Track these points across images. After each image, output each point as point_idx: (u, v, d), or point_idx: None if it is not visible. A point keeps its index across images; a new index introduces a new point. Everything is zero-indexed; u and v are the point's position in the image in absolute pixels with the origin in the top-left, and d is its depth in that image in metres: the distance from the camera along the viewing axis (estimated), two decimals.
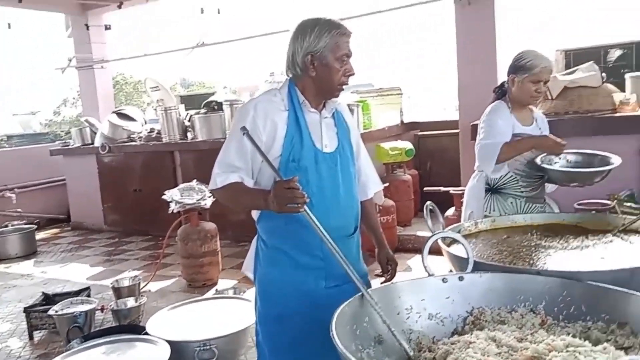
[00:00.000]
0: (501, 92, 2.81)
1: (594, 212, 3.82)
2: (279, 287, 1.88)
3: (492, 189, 2.76)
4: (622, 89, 4.65)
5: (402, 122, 6.51)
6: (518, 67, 2.64)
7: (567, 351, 1.19)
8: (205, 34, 6.78)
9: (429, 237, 1.64)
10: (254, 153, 1.77)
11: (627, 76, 4.63)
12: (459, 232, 2.18)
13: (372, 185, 2.14)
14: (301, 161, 1.82)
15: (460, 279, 1.59)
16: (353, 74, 1.88)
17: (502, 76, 2.79)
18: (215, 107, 6.56)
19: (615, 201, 3.91)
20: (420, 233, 5.49)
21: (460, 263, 1.71)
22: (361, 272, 2.00)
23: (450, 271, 1.83)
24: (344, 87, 1.89)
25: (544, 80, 2.63)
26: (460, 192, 3.33)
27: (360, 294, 1.47)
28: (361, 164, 2.08)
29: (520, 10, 5.52)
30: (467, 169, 3.61)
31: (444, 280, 1.58)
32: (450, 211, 5.06)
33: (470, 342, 1.30)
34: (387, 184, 5.53)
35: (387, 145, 5.80)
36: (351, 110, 5.64)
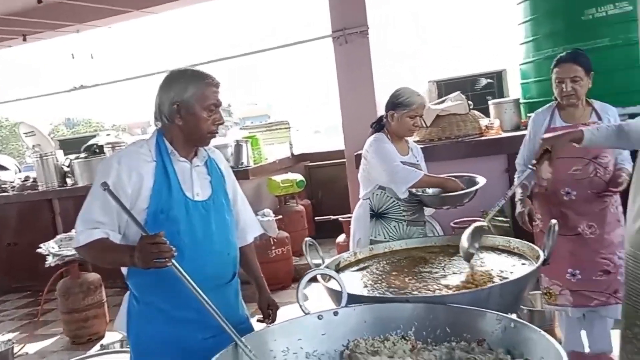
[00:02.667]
0: (379, 126, 2.98)
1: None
2: (155, 345, 1.80)
3: (377, 215, 2.89)
4: (487, 115, 5.09)
5: (292, 154, 6.61)
6: (396, 104, 2.82)
7: None
8: (84, 76, 6.49)
9: (304, 275, 1.65)
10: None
11: (490, 103, 5.08)
12: (338, 264, 2.24)
13: (251, 230, 2.14)
14: (170, 212, 1.77)
15: (335, 314, 1.61)
16: (222, 123, 1.89)
17: (380, 107, 2.96)
18: (97, 150, 6.25)
19: (486, 217, 4.21)
20: (316, 261, 5.54)
21: (337, 297, 1.74)
22: (241, 318, 1.97)
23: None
24: (214, 135, 1.88)
25: (419, 114, 2.84)
26: (349, 219, 3.44)
27: (233, 343, 1.44)
28: (239, 209, 2.07)
29: (393, 43, 5.86)
30: (355, 196, 3.74)
31: (319, 317, 1.60)
32: (341, 237, 5.19)
33: None
34: (280, 216, 5.57)
35: (278, 178, 5.85)
36: (240, 146, 5.64)
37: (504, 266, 1.95)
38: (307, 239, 2.18)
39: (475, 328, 1.47)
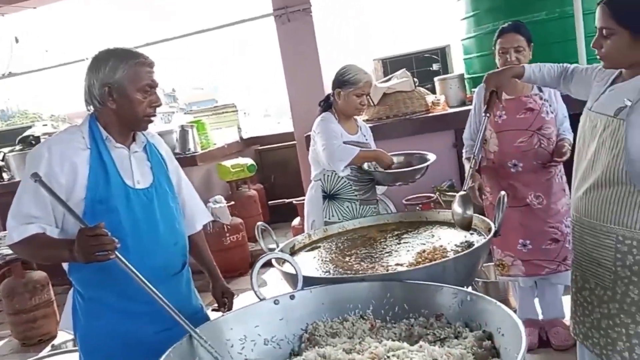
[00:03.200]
0: (327, 105, 2.96)
1: (419, 207, 4.16)
2: (104, 341, 1.72)
3: (329, 196, 2.88)
4: (434, 92, 5.14)
5: (241, 138, 6.48)
6: (342, 81, 2.79)
7: (388, 356, 1.23)
8: (11, 63, 6.10)
9: (257, 261, 1.61)
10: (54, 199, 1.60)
11: (435, 79, 5.13)
12: (293, 247, 2.22)
13: (199, 218, 2.06)
14: (110, 201, 1.68)
15: (292, 297, 1.58)
16: (159, 105, 1.78)
17: (328, 86, 2.93)
18: (33, 142, 5.92)
19: (437, 192, 4.29)
20: (270, 246, 5.51)
21: (293, 280, 1.71)
22: (195, 308, 1.92)
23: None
24: (151, 118, 1.78)
25: (366, 93, 2.82)
26: (303, 201, 3.41)
27: (188, 334, 1.39)
28: (184, 196, 1.99)
29: (338, 22, 5.80)
30: (308, 178, 3.72)
31: (276, 302, 1.57)
32: (296, 221, 5.16)
33: None
34: (232, 202, 5.48)
35: (228, 163, 5.73)
36: (185, 132, 5.48)
37: (457, 240, 1.98)
38: (259, 223, 2.14)
39: (432, 303, 1.48)
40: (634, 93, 1.72)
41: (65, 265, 1.76)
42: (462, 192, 2.10)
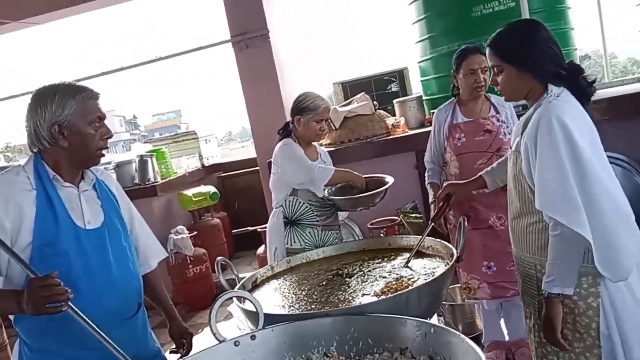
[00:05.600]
0: (286, 133, 2.94)
1: (383, 231, 4.15)
2: None
3: (291, 222, 2.85)
4: (393, 114, 5.19)
5: (203, 165, 6.38)
6: (302, 108, 2.79)
7: None
8: None
9: (215, 301, 1.54)
10: None
11: (395, 102, 5.19)
12: (255, 280, 2.15)
13: (153, 255, 1.98)
14: (59, 244, 1.58)
15: (253, 337, 1.52)
16: (110, 136, 1.73)
17: (289, 112, 2.93)
18: None
19: (401, 215, 4.29)
20: (232, 276, 5.41)
21: (254, 318, 1.64)
22: (153, 352, 1.83)
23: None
24: (103, 152, 1.72)
25: (325, 118, 2.83)
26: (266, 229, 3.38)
27: None
28: (138, 233, 1.91)
29: (295, 48, 5.83)
30: (271, 204, 3.68)
31: (236, 343, 1.50)
32: (261, 249, 5.06)
33: None
34: (195, 232, 5.35)
35: (189, 192, 5.61)
36: (144, 161, 5.36)
37: (420, 267, 1.95)
38: (219, 258, 2.08)
39: (396, 337, 1.44)
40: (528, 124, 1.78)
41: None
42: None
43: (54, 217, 1.60)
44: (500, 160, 2.21)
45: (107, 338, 1.35)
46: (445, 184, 2.28)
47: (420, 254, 2.08)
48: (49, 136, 1.63)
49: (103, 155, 1.73)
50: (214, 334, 1.51)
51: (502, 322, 3.00)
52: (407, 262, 2.00)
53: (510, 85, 1.84)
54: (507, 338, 2.97)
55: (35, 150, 1.68)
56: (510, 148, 1.88)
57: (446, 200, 2.20)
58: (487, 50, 1.88)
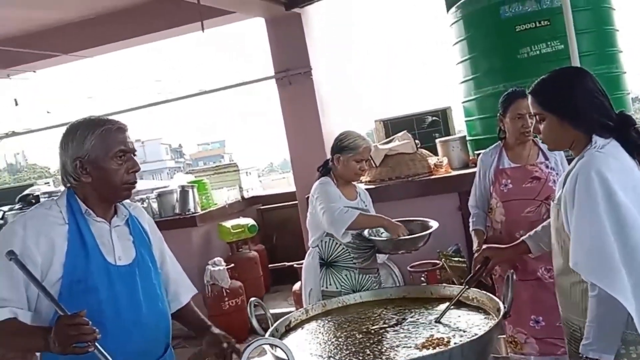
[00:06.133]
0: (325, 170, 2.93)
1: (424, 275, 4.01)
2: None
3: (327, 263, 2.79)
4: (435, 153, 5.11)
5: (242, 197, 6.42)
6: (342, 147, 2.77)
7: None
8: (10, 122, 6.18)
9: (245, 348, 1.49)
10: (28, 280, 1.49)
11: (437, 141, 5.11)
12: (289, 324, 2.09)
13: (184, 291, 1.93)
14: (89, 280, 1.56)
15: None
16: (137, 170, 1.69)
17: (329, 147, 2.92)
18: (33, 200, 5.88)
19: (443, 258, 4.15)
20: (273, 310, 5.34)
21: None
22: None
23: None
24: (132, 186, 1.69)
25: (365, 158, 2.79)
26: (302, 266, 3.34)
27: None
28: (169, 270, 1.88)
29: (337, 84, 5.86)
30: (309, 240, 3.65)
31: None
32: (297, 285, 4.99)
33: None
34: (232, 265, 5.35)
35: (228, 223, 5.63)
36: (186, 192, 5.43)
37: (463, 321, 1.85)
38: (252, 299, 2.03)
39: None
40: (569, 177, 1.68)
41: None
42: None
43: (85, 252, 1.58)
44: (544, 223, 2.07)
45: None
46: (484, 246, 2.14)
47: (462, 305, 1.97)
48: (73, 172, 1.63)
49: (131, 189, 1.70)
50: None
51: None
52: (439, 318, 1.89)
53: (553, 135, 1.77)
54: None
55: (67, 186, 1.68)
56: (553, 201, 1.78)
57: (484, 264, 2.08)
58: (530, 98, 1.82)
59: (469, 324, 1.81)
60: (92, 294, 1.55)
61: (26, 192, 6.22)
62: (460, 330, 1.77)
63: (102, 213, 1.67)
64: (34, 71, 6.11)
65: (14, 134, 6.27)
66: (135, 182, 1.70)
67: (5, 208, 6.11)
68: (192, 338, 5.35)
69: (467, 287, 1.98)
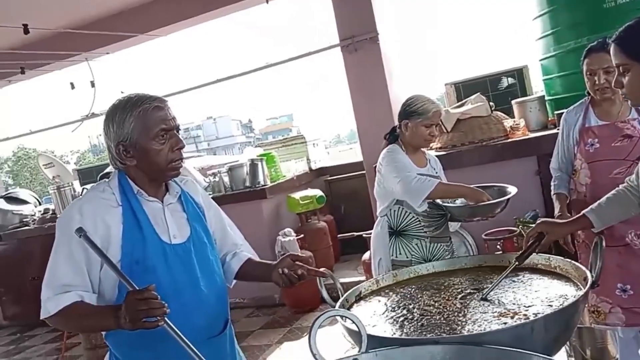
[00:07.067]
0: (393, 137, 2.83)
1: (500, 243, 3.83)
2: None
3: (396, 232, 2.72)
4: (511, 115, 4.83)
5: (310, 169, 6.43)
6: (410, 112, 2.66)
7: None
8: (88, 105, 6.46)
9: (315, 320, 1.45)
10: (90, 262, 1.51)
11: (513, 103, 4.82)
12: (359, 294, 2.04)
13: (247, 251, 1.93)
14: (147, 261, 1.57)
15: None
16: (182, 147, 1.64)
17: (397, 114, 2.81)
18: None
19: (520, 225, 3.95)
20: (343, 280, 5.36)
21: (358, 338, 1.53)
22: None
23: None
24: (179, 164, 1.65)
25: (435, 123, 2.67)
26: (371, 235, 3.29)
27: None
28: (231, 237, 1.88)
29: (405, 49, 5.66)
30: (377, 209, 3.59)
31: None
32: (367, 255, 4.95)
33: None
34: (302, 235, 5.39)
35: (297, 195, 5.67)
36: (255, 165, 5.49)
37: (545, 291, 1.72)
38: (322, 269, 1.98)
39: None
40: None
41: None
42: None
43: (140, 233, 1.58)
44: (609, 194, 1.85)
45: (200, 355, 1.31)
46: (539, 221, 1.93)
47: (546, 273, 1.84)
48: (118, 156, 1.61)
49: (179, 167, 1.66)
50: (314, 355, 1.42)
51: None
52: (485, 295, 1.73)
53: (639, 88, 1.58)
54: None
55: (116, 169, 1.68)
56: None
57: (538, 239, 1.88)
58: (612, 47, 1.62)
59: (553, 294, 1.68)
60: (151, 274, 1.55)
61: (106, 170, 6.53)
62: (545, 300, 1.65)
63: (154, 192, 1.66)
64: (108, 52, 6.33)
65: (93, 115, 6.56)
66: (182, 159, 1.66)
67: (88, 186, 6.49)
68: (264, 307, 5.53)
69: (516, 263, 1.82)
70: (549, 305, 1.59)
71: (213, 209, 1.86)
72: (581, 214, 1.90)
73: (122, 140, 1.58)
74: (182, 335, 1.34)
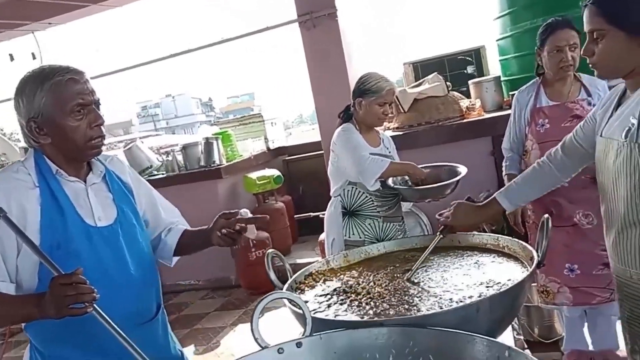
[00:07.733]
0: (347, 116, 2.80)
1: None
2: None
3: (349, 213, 2.70)
4: (468, 96, 4.85)
5: (268, 148, 6.33)
6: (364, 90, 2.62)
7: None
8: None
9: (258, 303, 1.39)
10: (4, 249, 1.39)
11: (470, 83, 4.84)
12: (309, 274, 1.99)
13: (182, 224, 1.84)
14: (69, 245, 1.45)
15: (298, 345, 1.36)
16: (101, 123, 1.50)
17: None
18: None
19: None
20: (300, 260, 5.33)
21: (302, 321, 1.49)
22: (175, 357, 1.70)
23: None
24: (100, 141, 1.52)
25: (389, 102, 2.63)
26: None
27: None
28: (162, 214, 1.78)
29: (365, 27, 5.59)
30: None
31: (280, 350, 1.35)
32: (323, 236, 4.93)
33: None
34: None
35: (254, 175, 5.58)
36: (210, 144, 5.36)
37: (492, 272, 1.71)
38: (269, 251, 1.93)
39: (463, 356, 1.23)
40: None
41: None
42: None
43: (61, 215, 1.46)
44: (524, 172, 1.82)
45: (131, 343, 1.23)
46: (453, 202, 1.91)
47: (493, 252, 1.83)
48: (30, 133, 1.48)
49: (98, 146, 1.53)
50: (256, 339, 1.37)
51: (585, 329, 2.68)
52: (410, 276, 1.74)
53: (615, 56, 1.45)
54: (590, 347, 2.65)
55: (30, 147, 1.54)
56: (622, 138, 1.47)
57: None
58: (587, 10, 1.49)
59: (500, 274, 1.67)
60: (74, 259, 1.44)
61: None
62: (491, 281, 1.64)
63: (75, 172, 1.54)
64: (50, 24, 5.98)
65: None
66: (102, 137, 1.52)
67: None
68: (219, 289, 5.45)
69: (440, 235, 1.82)
70: (497, 284, 1.59)
71: (143, 187, 1.74)
72: (492, 197, 1.86)
73: (34, 117, 1.44)
74: (111, 322, 1.25)
